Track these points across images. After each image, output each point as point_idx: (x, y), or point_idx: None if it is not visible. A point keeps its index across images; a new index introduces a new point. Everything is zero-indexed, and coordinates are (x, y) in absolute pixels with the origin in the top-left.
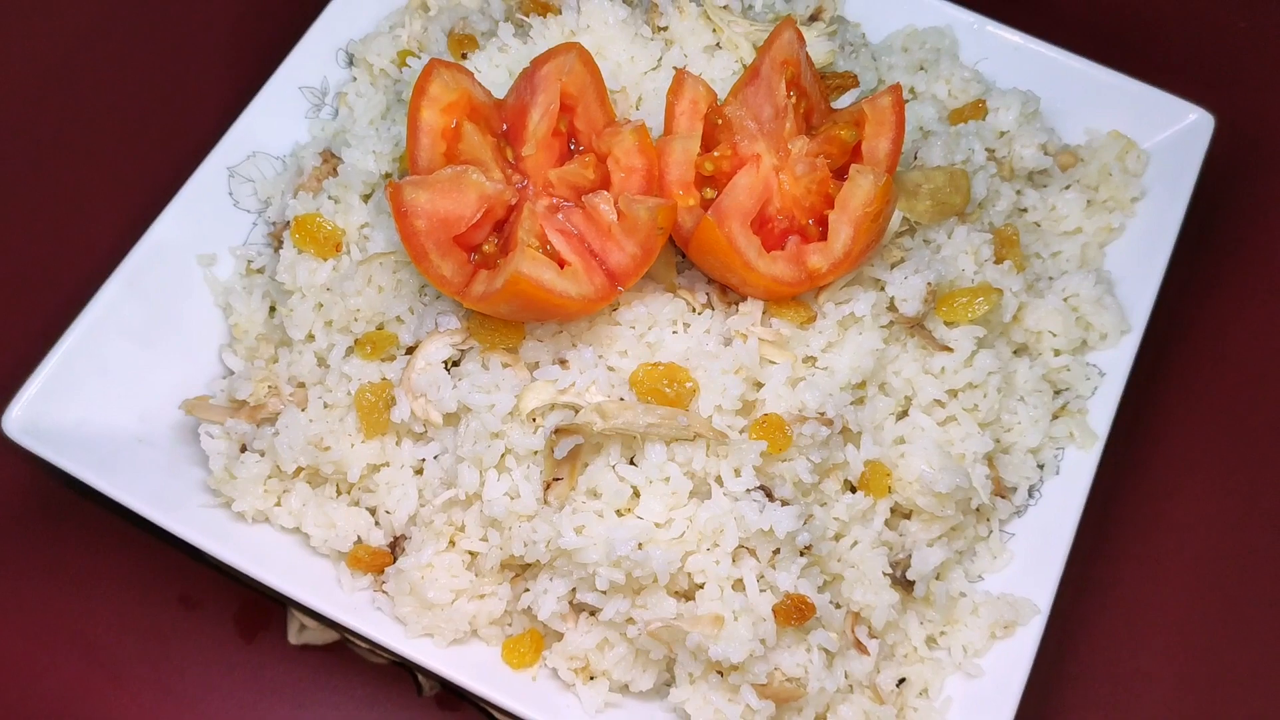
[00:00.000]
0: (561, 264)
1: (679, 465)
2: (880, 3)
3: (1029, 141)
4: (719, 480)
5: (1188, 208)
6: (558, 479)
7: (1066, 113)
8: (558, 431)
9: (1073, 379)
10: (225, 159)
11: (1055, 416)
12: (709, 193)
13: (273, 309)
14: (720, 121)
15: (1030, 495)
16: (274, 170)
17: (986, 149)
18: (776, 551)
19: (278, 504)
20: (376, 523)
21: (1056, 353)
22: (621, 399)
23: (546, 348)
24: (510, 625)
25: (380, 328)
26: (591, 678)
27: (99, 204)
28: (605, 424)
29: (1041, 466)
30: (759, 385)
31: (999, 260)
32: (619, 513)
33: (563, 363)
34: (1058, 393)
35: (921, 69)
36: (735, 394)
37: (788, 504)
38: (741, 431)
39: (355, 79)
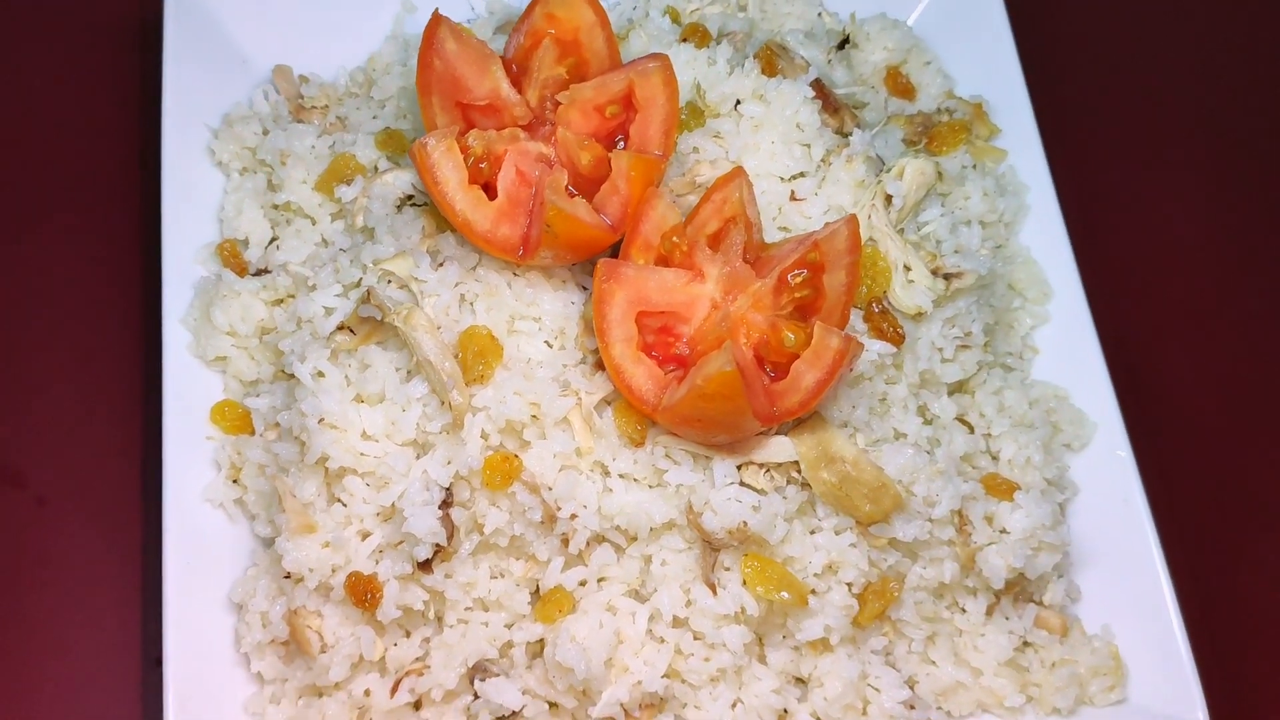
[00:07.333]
0: (488, 189)
1: (423, 412)
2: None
3: (1001, 562)
4: (428, 449)
5: None
6: (352, 330)
7: (1101, 595)
8: (370, 293)
9: None
10: None
11: None
12: None
13: None
14: (728, 234)
15: None
16: None
17: (959, 514)
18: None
19: (242, 172)
20: (257, 247)
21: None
22: (439, 328)
23: (457, 252)
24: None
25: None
26: (236, 481)
27: None
28: (401, 324)
29: None
30: (545, 436)
31: (854, 593)
32: (358, 398)
33: (440, 265)
34: None
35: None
36: (510, 415)
37: (444, 518)
38: (486, 448)
39: None
